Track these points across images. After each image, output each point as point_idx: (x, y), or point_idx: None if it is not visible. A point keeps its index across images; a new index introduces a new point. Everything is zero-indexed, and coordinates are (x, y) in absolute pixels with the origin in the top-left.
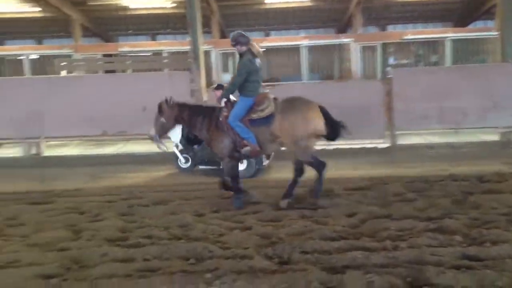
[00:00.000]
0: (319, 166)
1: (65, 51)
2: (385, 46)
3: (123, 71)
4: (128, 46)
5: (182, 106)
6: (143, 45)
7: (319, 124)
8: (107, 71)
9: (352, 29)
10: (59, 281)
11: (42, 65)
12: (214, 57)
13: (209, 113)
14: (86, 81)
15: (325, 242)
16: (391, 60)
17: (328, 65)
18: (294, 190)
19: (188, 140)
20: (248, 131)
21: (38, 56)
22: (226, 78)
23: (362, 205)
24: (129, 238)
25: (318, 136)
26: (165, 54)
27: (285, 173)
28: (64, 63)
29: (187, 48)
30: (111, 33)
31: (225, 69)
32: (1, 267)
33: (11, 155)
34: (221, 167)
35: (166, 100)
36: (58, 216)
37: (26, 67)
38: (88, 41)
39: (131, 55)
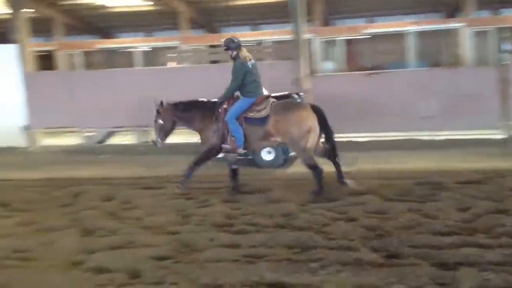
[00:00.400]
0: (318, 172)
1: (173, 43)
2: (499, 31)
3: (226, 61)
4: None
5: (176, 105)
6: (246, 35)
7: (313, 122)
8: (212, 62)
9: (463, 14)
10: (171, 263)
11: (152, 57)
12: (317, 45)
13: (206, 106)
14: (193, 71)
15: (436, 237)
16: (506, 46)
17: (436, 51)
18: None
19: None
20: (239, 130)
21: (148, 48)
22: (328, 66)
23: (475, 199)
24: (235, 224)
25: (314, 135)
26: (267, 44)
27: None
28: (172, 54)
29: (289, 37)
30: (216, 24)
31: (326, 57)
32: (117, 248)
33: (125, 143)
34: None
35: (161, 103)
36: (169, 201)
37: (137, 58)
38: (194, 32)
39: None
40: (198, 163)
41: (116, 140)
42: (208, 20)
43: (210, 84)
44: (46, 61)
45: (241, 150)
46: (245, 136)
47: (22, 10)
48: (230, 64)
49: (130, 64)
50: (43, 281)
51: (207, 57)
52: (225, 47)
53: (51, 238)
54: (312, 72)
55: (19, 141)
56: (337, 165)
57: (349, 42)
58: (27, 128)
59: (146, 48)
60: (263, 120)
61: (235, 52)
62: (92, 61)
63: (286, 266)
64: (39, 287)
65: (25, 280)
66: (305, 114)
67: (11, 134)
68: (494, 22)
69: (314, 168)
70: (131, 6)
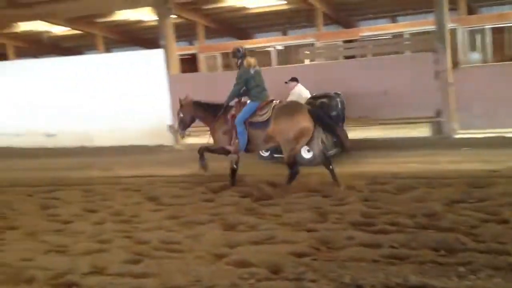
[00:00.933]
0: (294, 171)
1: (308, 40)
2: None
3: (363, 56)
4: (369, 30)
5: (195, 103)
6: (384, 28)
7: (306, 125)
8: (347, 57)
9: None
10: (310, 260)
11: (288, 55)
12: (460, 35)
13: (219, 110)
14: (326, 67)
15: None
16: None
17: None
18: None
19: None
20: (244, 134)
21: (282, 47)
22: (474, 57)
23: None
24: (374, 223)
25: (307, 138)
26: (406, 36)
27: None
28: (307, 52)
29: (429, 28)
30: (351, 19)
31: (472, 48)
32: (258, 243)
33: None
34: None
35: (185, 98)
36: (304, 198)
37: (273, 57)
38: (329, 29)
39: (371, 39)
40: (201, 156)
41: None
42: (344, 15)
43: (345, 79)
44: (189, 64)
45: (239, 151)
46: (249, 138)
47: (168, 17)
48: (364, 59)
49: (267, 63)
50: (189, 272)
51: (341, 53)
52: (232, 55)
53: (196, 231)
54: (456, 64)
55: (166, 140)
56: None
57: (497, 30)
58: (172, 127)
59: (281, 47)
60: (265, 124)
61: (240, 60)
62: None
63: (431, 269)
64: (185, 276)
65: (173, 270)
66: (301, 118)
67: (159, 133)
68: None
69: (293, 166)
70: (269, 6)
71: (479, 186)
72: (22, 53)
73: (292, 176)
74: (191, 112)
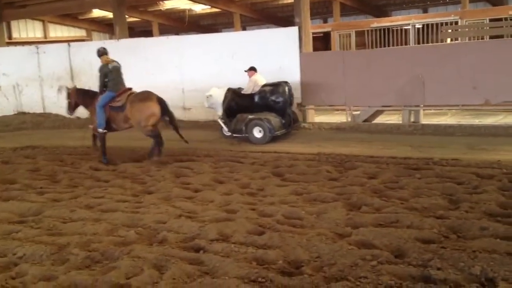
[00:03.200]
0: (158, 141)
1: (450, 18)
2: None
3: (482, 38)
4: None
5: (79, 92)
6: None
7: (155, 110)
8: (493, 37)
9: None
10: (437, 248)
11: (427, 34)
12: None
13: (92, 95)
14: (470, 48)
15: None
16: None
17: None
18: (156, 151)
19: (227, 114)
20: (102, 116)
21: (419, 25)
22: None
23: None
24: (511, 215)
25: (156, 119)
26: None
27: None
28: (449, 30)
29: None
30: None
31: None
32: (382, 226)
33: (391, 122)
34: (245, 134)
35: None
36: (435, 184)
37: (411, 36)
38: (476, 6)
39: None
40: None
41: (382, 119)
42: None
43: (489, 60)
44: (322, 42)
45: (101, 130)
46: (111, 119)
47: None
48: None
49: (404, 42)
50: (311, 247)
51: (487, 32)
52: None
53: (320, 208)
54: None
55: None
56: (177, 131)
57: None
58: (301, 105)
59: (419, 25)
60: (122, 108)
61: (100, 58)
62: (366, 40)
63: None
64: (306, 252)
65: (295, 245)
66: (148, 104)
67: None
68: None
69: (155, 137)
70: None
71: None
72: (164, 31)
73: (157, 145)
74: (75, 98)
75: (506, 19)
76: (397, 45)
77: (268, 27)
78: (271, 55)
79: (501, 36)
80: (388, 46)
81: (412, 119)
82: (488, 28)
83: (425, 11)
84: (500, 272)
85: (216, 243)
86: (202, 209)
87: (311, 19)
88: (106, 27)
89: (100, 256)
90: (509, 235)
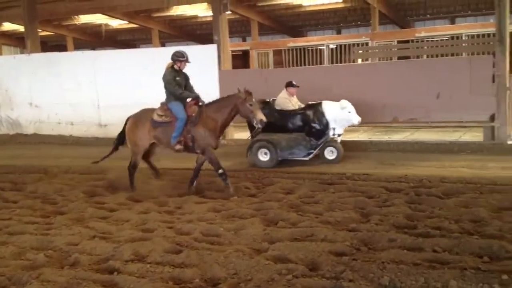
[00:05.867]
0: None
1: (362, 40)
2: None
3: (418, 57)
4: (425, 31)
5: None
6: (441, 29)
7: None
8: (401, 58)
9: None
10: (349, 260)
11: (340, 54)
12: None
13: None
14: (379, 68)
15: None
16: None
17: None
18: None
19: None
20: None
21: (334, 46)
22: None
23: None
24: (417, 227)
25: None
26: (464, 38)
27: None
28: (360, 51)
29: (489, 30)
30: (408, 19)
31: None
32: (298, 240)
33: None
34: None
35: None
36: (348, 198)
37: (325, 56)
38: (384, 28)
39: (427, 41)
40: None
41: None
42: (400, 14)
43: (397, 80)
44: (242, 60)
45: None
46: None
47: (223, 13)
48: (418, 60)
49: (318, 61)
50: (228, 264)
51: (395, 53)
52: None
53: (238, 225)
54: None
55: None
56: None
57: None
58: None
59: (333, 46)
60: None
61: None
62: (284, 59)
63: (473, 275)
64: (223, 269)
65: (212, 262)
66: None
67: None
68: None
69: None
70: (324, 4)
71: None
72: (79, 45)
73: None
74: None
75: (412, 41)
76: (313, 64)
77: (187, 44)
78: (190, 71)
79: (408, 57)
80: (304, 65)
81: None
82: (396, 49)
83: (338, 32)
84: (407, 282)
85: (131, 263)
86: (117, 229)
87: (230, 37)
88: (17, 41)
89: (7, 281)
90: (415, 246)
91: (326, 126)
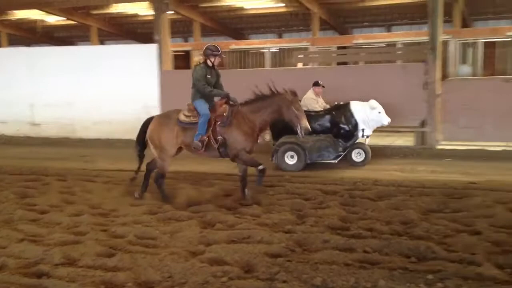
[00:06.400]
0: None
1: (302, 44)
2: None
3: (355, 63)
4: (363, 38)
5: None
6: (378, 37)
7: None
8: (340, 63)
9: None
10: (284, 261)
11: (282, 58)
12: (452, 47)
13: None
14: (319, 72)
15: None
16: None
17: None
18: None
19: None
20: None
21: (276, 49)
22: (464, 70)
23: None
24: (350, 228)
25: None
26: (399, 46)
27: None
28: (300, 55)
29: (423, 38)
30: (347, 26)
31: (464, 60)
32: (235, 242)
33: None
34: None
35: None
36: (286, 200)
37: (267, 59)
38: (324, 34)
39: (365, 47)
40: None
41: None
42: (340, 21)
43: (335, 84)
44: (184, 61)
45: None
46: None
47: (165, 12)
48: (355, 66)
49: (260, 64)
50: (162, 267)
51: (334, 59)
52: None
53: (174, 227)
54: (445, 76)
55: None
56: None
57: (490, 45)
58: None
59: (275, 49)
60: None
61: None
62: (225, 61)
63: (401, 275)
64: (157, 272)
65: (146, 265)
66: None
67: None
68: None
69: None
70: (266, 8)
71: (456, 197)
72: (15, 41)
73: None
74: None
75: (350, 47)
76: (255, 67)
77: (127, 43)
78: (130, 71)
79: (346, 63)
80: (246, 67)
81: (267, 138)
82: (335, 55)
83: (280, 36)
84: (338, 282)
85: (61, 267)
86: (48, 232)
87: (172, 37)
88: None
89: None
90: (348, 247)
91: (355, 127)
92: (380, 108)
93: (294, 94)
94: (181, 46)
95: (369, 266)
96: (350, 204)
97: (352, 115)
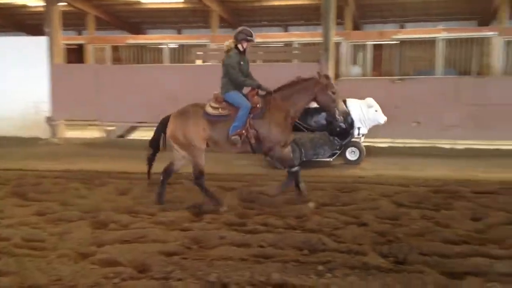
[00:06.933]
0: None
1: (202, 41)
2: None
3: (254, 61)
4: (260, 37)
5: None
6: (275, 36)
7: None
8: None
9: (497, 22)
10: (180, 259)
11: (180, 54)
12: (345, 49)
13: None
14: (218, 70)
15: (446, 245)
16: None
17: (466, 59)
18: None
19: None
20: None
21: (175, 45)
22: (355, 71)
23: (490, 209)
24: (247, 224)
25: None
26: (296, 45)
27: None
28: (200, 52)
29: (318, 39)
30: (246, 24)
31: (354, 61)
32: (127, 242)
33: (146, 138)
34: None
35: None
36: (184, 197)
37: (165, 55)
38: (224, 31)
39: (263, 46)
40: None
41: (137, 135)
42: (238, 19)
43: None
44: (77, 54)
45: None
46: None
47: (55, 4)
48: (254, 64)
49: (158, 60)
50: (50, 271)
51: None
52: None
53: (64, 228)
54: (338, 75)
55: (43, 132)
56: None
57: (378, 47)
58: (50, 120)
59: (174, 45)
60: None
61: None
62: (121, 56)
63: (294, 267)
64: (45, 275)
65: (33, 269)
66: None
67: (36, 125)
68: None
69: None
70: (164, 3)
71: (346, 191)
72: None
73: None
74: None
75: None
76: (153, 62)
77: (16, 35)
78: (17, 65)
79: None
80: (144, 63)
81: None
82: None
83: (179, 32)
84: (233, 277)
85: None
86: None
87: (64, 30)
88: None
89: None
90: (244, 242)
91: (351, 125)
92: (376, 106)
93: (327, 77)
94: (74, 39)
95: (263, 260)
96: (248, 200)
97: (348, 113)
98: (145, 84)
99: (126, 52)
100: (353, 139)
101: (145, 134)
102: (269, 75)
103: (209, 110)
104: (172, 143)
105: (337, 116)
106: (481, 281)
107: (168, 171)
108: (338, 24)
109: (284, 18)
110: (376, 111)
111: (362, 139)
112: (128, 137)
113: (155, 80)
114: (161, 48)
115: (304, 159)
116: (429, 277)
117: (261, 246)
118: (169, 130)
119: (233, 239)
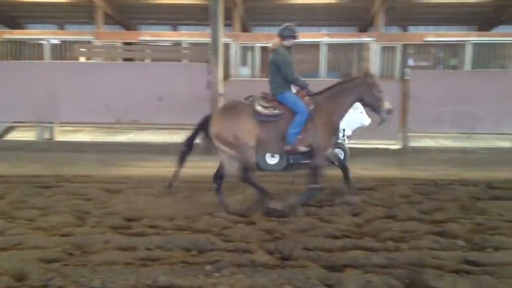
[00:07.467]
0: None
1: (86, 38)
2: (405, 47)
3: (142, 60)
4: (149, 35)
5: None
6: (164, 35)
7: None
8: (125, 59)
9: (374, 29)
10: (60, 266)
11: (63, 51)
12: (234, 50)
13: None
14: (103, 68)
15: (328, 240)
16: (410, 62)
17: (347, 63)
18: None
19: None
20: None
21: (58, 41)
22: (244, 72)
23: (368, 205)
24: (133, 226)
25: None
26: (185, 45)
27: None
28: (84, 49)
29: (207, 40)
30: (133, 22)
31: (243, 62)
32: (4, 249)
33: (24, 139)
34: None
35: None
36: (65, 201)
37: (47, 51)
38: (110, 28)
39: (151, 44)
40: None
41: (15, 135)
42: (125, 16)
43: (120, 81)
44: None
45: None
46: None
47: None
48: (141, 63)
49: (39, 56)
50: None
51: (120, 54)
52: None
53: None
54: (227, 76)
55: None
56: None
57: (266, 49)
58: None
59: (56, 41)
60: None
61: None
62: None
63: (181, 268)
64: None
65: None
66: None
67: None
68: (402, 39)
69: None
70: None
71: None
72: None
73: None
74: None
75: (136, 44)
76: (32, 59)
77: None
78: None
79: (133, 59)
80: (23, 59)
81: (46, 136)
82: (121, 50)
83: (61, 27)
84: (118, 282)
85: None
86: None
87: None
88: None
89: None
90: (130, 245)
91: None
92: (361, 108)
93: (371, 76)
94: None
95: (150, 263)
96: (134, 202)
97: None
98: (24, 81)
99: (3, 47)
100: (338, 141)
101: (24, 135)
102: (158, 74)
103: (260, 109)
104: (218, 144)
105: (383, 115)
106: (359, 272)
107: (219, 177)
108: (227, 25)
109: (173, 17)
110: (361, 113)
111: (347, 140)
112: (5, 138)
113: (35, 77)
114: (42, 44)
115: (291, 162)
116: (311, 271)
117: (149, 249)
118: (215, 130)
119: (119, 243)
